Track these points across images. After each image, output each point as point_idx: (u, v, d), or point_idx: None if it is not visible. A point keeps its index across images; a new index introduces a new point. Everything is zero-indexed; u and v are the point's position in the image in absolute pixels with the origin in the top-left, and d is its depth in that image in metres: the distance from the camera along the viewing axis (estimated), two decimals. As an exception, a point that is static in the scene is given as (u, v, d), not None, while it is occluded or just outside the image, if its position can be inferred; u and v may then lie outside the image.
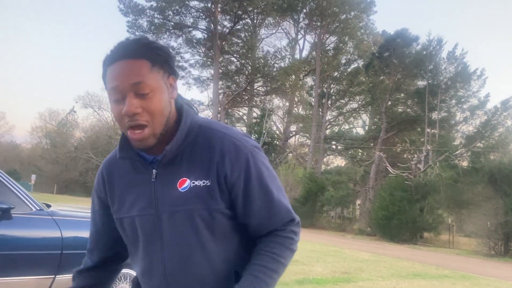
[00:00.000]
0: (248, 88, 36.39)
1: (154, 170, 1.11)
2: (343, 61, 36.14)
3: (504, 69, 64.32)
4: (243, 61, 37.31)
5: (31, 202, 3.43)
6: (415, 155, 24.21)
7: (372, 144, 32.17)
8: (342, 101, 37.62)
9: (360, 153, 37.16)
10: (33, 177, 37.35)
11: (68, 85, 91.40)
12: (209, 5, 31.62)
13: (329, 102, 35.46)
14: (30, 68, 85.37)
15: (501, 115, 27.75)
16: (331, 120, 38.53)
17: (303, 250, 11.78)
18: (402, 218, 20.50)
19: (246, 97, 38.64)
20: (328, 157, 40.77)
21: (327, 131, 36.74)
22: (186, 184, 1.08)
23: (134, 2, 30.77)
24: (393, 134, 30.29)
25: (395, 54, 27.28)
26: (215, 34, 31.92)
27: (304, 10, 35.18)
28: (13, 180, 3.45)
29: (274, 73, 33.77)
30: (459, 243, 21.19)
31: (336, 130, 39.18)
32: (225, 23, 34.63)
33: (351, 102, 38.17)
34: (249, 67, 36.32)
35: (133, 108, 1.00)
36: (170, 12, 31.77)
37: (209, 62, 36.02)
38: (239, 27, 35.14)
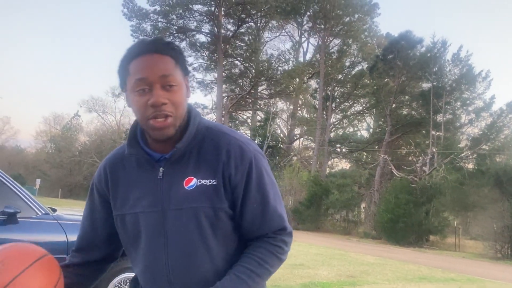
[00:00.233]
0: (252, 91, 36.37)
1: (161, 168, 1.14)
2: (347, 64, 36.09)
3: (509, 71, 63.96)
4: (247, 65, 37.36)
5: (37, 206, 3.44)
6: (420, 158, 24.15)
7: (376, 147, 32.05)
8: (347, 103, 37.51)
9: (364, 156, 37.01)
10: (38, 181, 37.46)
11: (72, 89, 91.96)
12: (213, 8, 31.72)
13: (333, 105, 35.39)
14: (34, 73, 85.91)
15: (507, 117, 27.54)
16: (336, 123, 38.44)
17: (308, 254, 11.76)
18: (408, 221, 20.41)
19: (250, 101, 38.60)
20: (332, 160, 40.60)
21: (332, 134, 36.67)
22: (192, 182, 1.11)
23: (138, 7, 30.98)
24: (398, 136, 30.18)
25: (400, 56, 27.24)
26: (218, 37, 32.02)
27: (308, 13, 35.14)
28: (18, 184, 3.46)
29: (278, 76, 33.76)
30: (465, 246, 21.06)
31: (341, 133, 39.09)
32: (229, 26, 34.83)
33: (355, 104, 38.05)
34: (253, 70, 36.38)
35: (161, 98, 1.06)
36: (174, 16, 31.90)
37: (212, 66, 36.13)
38: (242, 30, 35.17)
